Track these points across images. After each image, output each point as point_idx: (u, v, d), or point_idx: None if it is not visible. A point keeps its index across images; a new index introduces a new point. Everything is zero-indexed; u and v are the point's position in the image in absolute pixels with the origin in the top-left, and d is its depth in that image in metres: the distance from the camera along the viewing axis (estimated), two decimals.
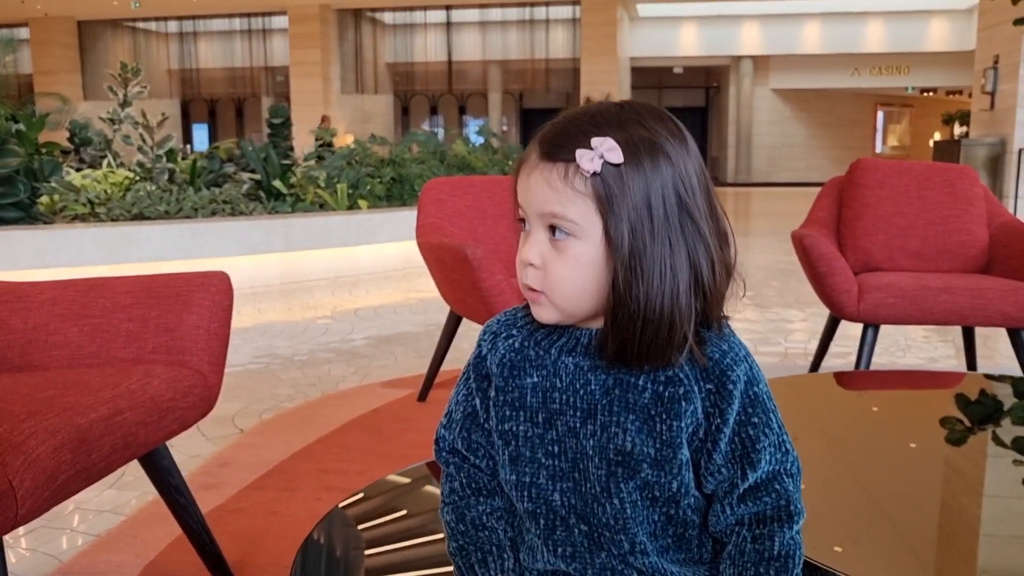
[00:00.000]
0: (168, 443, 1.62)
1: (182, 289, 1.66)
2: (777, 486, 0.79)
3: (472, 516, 0.85)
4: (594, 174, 0.72)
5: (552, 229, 0.75)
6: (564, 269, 0.75)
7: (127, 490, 2.22)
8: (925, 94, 22.06)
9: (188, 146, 17.93)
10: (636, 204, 0.72)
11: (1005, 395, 1.83)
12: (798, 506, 0.79)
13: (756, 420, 0.78)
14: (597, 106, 0.77)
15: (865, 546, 1.05)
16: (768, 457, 0.78)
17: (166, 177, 6.38)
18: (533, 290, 0.77)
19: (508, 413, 0.82)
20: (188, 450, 2.51)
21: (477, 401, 0.86)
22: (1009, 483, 1.28)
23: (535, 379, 0.81)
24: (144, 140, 6.51)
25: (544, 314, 0.78)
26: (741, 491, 0.79)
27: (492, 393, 0.83)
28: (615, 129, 0.74)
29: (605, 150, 0.72)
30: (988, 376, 2.00)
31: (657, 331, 0.73)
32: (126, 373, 1.49)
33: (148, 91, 7.57)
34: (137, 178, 6.30)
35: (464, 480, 0.87)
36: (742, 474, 0.78)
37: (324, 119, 15.38)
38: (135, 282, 1.69)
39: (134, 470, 2.27)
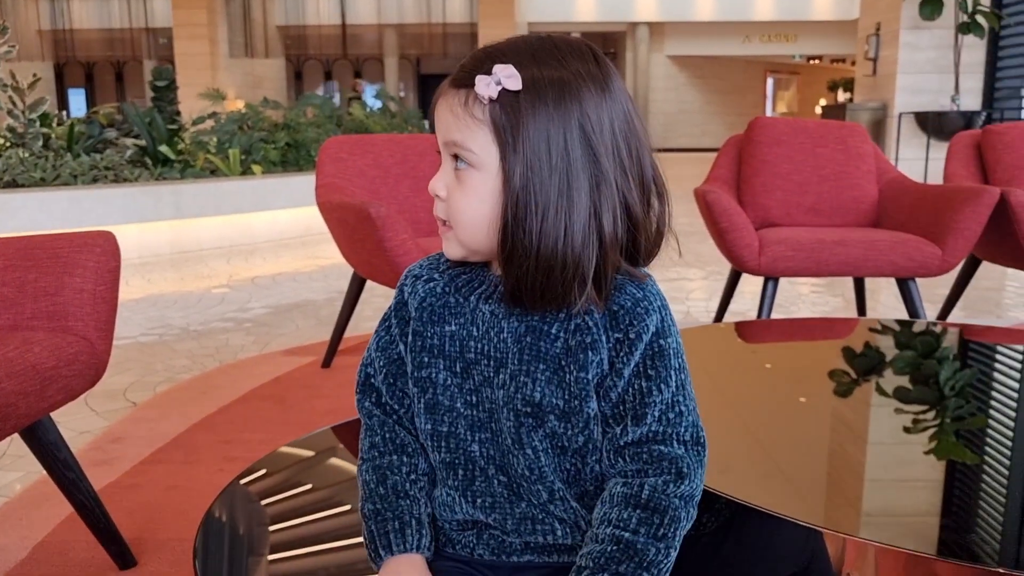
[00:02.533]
0: (54, 418, 1.51)
1: (63, 251, 1.53)
2: (661, 447, 0.74)
3: (394, 481, 0.80)
4: (492, 101, 0.70)
5: (456, 159, 0.73)
6: (463, 201, 0.73)
7: (10, 471, 2.07)
8: (811, 61, 22.88)
9: (64, 112, 16.86)
10: (534, 138, 0.69)
11: (887, 346, 1.90)
12: (686, 470, 0.73)
13: (652, 373, 0.74)
14: (521, 38, 0.74)
15: (756, 491, 1.06)
16: (657, 415, 0.74)
17: (40, 143, 5.98)
18: (444, 224, 0.76)
19: (426, 360, 0.78)
20: (76, 426, 2.37)
21: (402, 347, 0.82)
22: (891, 430, 1.33)
23: (453, 327, 0.78)
24: (14, 103, 6.06)
25: (450, 249, 0.77)
26: (619, 444, 0.75)
27: (409, 338, 0.80)
28: (527, 61, 0.71)
29: (503, 76, 0.70)
30: (873, 329, 2.08)
31: (549, 271, 0.70)
32: (2, 341, 1.37)
33: (17, 52, 7.04)
34: (8, 144, 5.88)
35: (387, 435, 0.83)
36: (623, 428, 0.74)
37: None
38: (8, 244, 1.56)
39: (18, 448, 2.13)
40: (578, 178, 0.70)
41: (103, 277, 1.53)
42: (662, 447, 0.74)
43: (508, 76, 0.70)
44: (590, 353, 0.73)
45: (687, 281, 4.51)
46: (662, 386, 0.74)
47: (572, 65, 0.71)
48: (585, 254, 0.70)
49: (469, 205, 0.73)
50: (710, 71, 21.56)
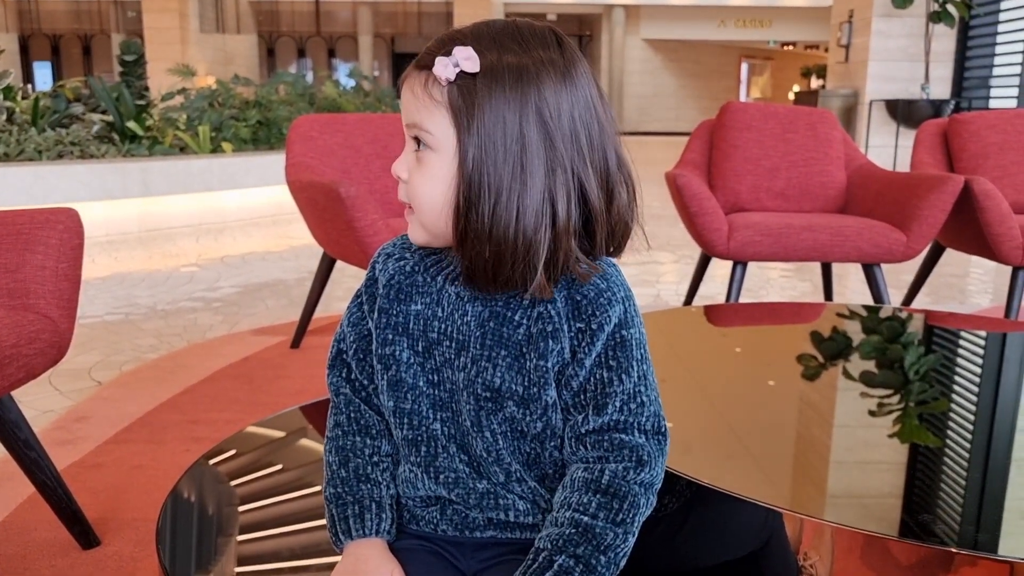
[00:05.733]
0: (16, 397, 1.49)
1: (24, 227, 1.51)
2: (622, 436, 0.74)
3: (356, 464, 0.81)
4: (449, 83, 0.70)
5: (418, 141, 0.73)
6: (423, 184, 0.73)
7: None
8: (785, 47, 22.98)
9: (29, 85, 16.47)
10: (489, 121, 0.69)
11: (854, 331, 1.93)
12: (646, 458, 0.74)
13: (613, 363, 0.74)
14: (487, 22, 0.74)
15: (726, 475, 1.08)
16: (619, 404, 0.74)
17: (4, 117, 5.86)
18: (409, 207, 0.76)
19: (390, 337, 0.79)
20: (39, 405, 2.33)
21: (370, 324, 0.82)
22: (856, 413, 1.35)
23: (419, 306, 0.78)
24: None
25: (413, 233, 0.77)
26: (580, 432, 0.75)
27: (375, 315, 0.80)
28: (488, 46, 0.71)
29: (461, 58, 0.69)
30: (840, 314, 2.10)
31: (501, 254, 0.70)
32: None
33: None
34: None
35: (352, 415, 0.83)
36: (584, 417, 0.75)
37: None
38: None
39: None
40: (532, 162, 0.70)
41: (65, 254, 1.50)
42: (623, 435, 0.75)
43: (466, 58, 0.69)
44: (551, 342, 0.74)
45: (658, 265, 4.53)
46: (623, 376, 0.75)
47: (534, 52, 0.71)
48: (537, 238, 0.70)
49: (428, 187, 0.73)
50: (685, 55, 21.60)
